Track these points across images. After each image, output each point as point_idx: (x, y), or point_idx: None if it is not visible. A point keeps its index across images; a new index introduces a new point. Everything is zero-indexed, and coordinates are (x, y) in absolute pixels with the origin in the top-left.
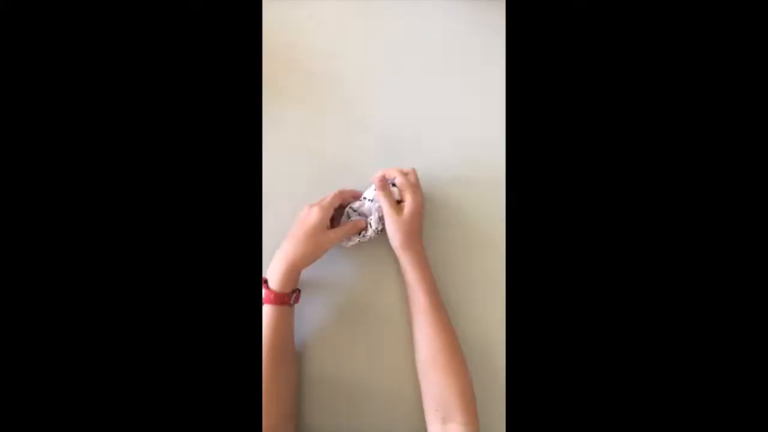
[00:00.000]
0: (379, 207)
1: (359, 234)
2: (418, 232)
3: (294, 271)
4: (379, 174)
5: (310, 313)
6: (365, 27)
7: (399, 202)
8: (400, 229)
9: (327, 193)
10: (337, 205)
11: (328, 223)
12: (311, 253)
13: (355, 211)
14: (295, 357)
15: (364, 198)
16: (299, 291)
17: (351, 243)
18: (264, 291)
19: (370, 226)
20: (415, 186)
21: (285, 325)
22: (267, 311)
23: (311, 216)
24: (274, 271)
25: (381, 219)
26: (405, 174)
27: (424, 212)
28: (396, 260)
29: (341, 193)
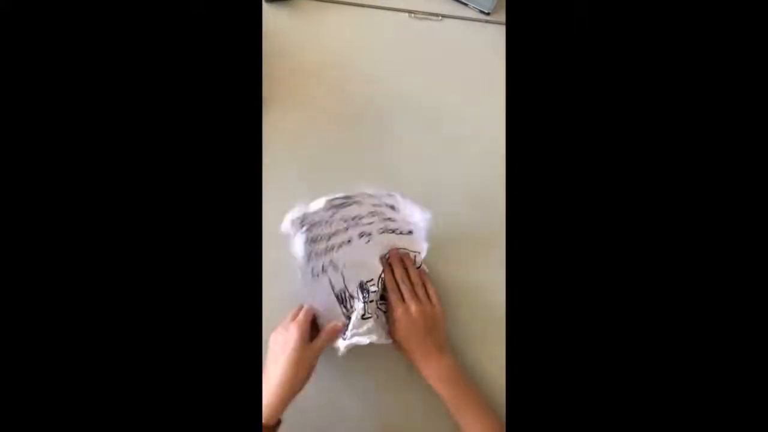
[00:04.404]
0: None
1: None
2: (422, 345)
3: (282, 404)
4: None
5: None
6: (373, 40)
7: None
8: (396, 341)
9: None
10: (311, 318)
11: (307, 337)
12: (303, 376)
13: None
14: None
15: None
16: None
17: (345, 344)
18: None
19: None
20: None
21: None
22: None
23: (290, 337)
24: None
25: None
26: (409, 277)
27: (429, 322)
28: None
29: (310, 308)
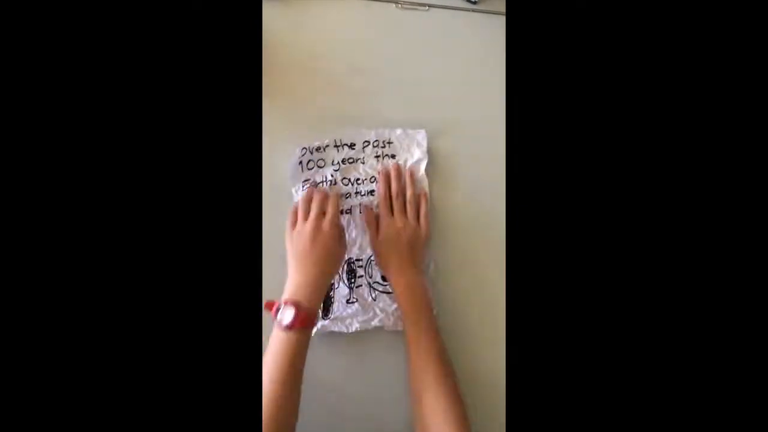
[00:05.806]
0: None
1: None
2: (398, 259)
3: (322, 290)
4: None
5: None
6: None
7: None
8: (375, 250)
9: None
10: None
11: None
12: (335, 268)
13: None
14: None
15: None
16: None
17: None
18: (295, 313)
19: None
20: (420, 212)
21: (306, 346)
22: (300, 336)
23: (327, 231)
24: (301, 291)
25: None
26: (411, 195)
27: (411, 240)
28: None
29: (336, 196)
